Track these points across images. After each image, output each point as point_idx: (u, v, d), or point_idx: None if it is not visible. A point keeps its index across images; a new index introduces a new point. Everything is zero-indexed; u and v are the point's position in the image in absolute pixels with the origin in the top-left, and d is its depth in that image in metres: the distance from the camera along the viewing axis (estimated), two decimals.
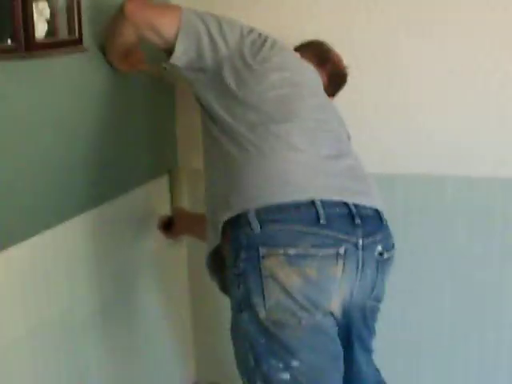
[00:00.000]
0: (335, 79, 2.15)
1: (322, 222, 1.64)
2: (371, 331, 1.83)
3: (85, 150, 2.02)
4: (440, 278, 2.43)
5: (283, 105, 1.83)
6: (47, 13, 1.84)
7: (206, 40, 1.90)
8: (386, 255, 1.75)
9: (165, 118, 2.54)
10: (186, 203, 2.59)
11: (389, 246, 1.78)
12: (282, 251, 1.63)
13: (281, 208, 1.66)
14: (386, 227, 1.79)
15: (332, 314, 1.69)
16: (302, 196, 1.67)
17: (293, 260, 1.62)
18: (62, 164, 1.92)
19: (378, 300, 1.81)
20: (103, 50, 2.07)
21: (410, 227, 2.41)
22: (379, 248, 1.73)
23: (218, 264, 1.85)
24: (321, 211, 1.65)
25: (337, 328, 1.72)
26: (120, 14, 1.95)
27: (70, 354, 1.98)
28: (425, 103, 2.36)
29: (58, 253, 1.92)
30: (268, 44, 1.94)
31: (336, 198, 1.70)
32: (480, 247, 2.38)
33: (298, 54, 2.04)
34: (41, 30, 1.80)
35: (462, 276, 2.42)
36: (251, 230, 1.66)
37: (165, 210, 2.53)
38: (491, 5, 2.24)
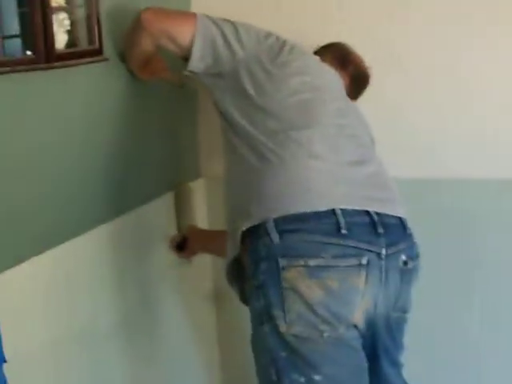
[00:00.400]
0: (358, 81, 2.11)
1: (343, 231, 1.62)
2: (398, 344, 1.79)
3: (104, 162, 2.01)
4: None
5: (304, 111, 1.81)
6: (67, 23, 1.84)
7: (221, 44, 1.89)
8: (410, 265, 1.72)
9: (186, 127, 2.52)
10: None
11: (413, 255, 1.75)
12: (302, 262, 1.60)
13: (300, 217, 1.64)
14: (410, 236, 1.76)
15: (355, 326, 1.66)
16: (322, 205, 1.65)
17: (314, 271, 1.60)
18: (82, 176, 1.91)
19: (404, 311, 1.77)
20: (123, 58, 2.07)
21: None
22: (403, 257, 1.70)
23: (239, 274, 1.83)
24: (342, 220, 1.63)
25: (361, 340, 1.69)
26: (137, 23, 1.95)
27: (92, 365, 1.97)
28: (448, 103, 2.32)
29: (81, 263, 1.91)
30: (287, 48, 1.92)
31: (357, 206, 1.67)
32: None
33: (317, 58, 2.01)
34: (61, 40, 1.81)
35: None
36: (270, 240, 1.63)
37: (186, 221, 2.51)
38: None
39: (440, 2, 2.29)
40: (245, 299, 1.83)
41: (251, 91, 1.83)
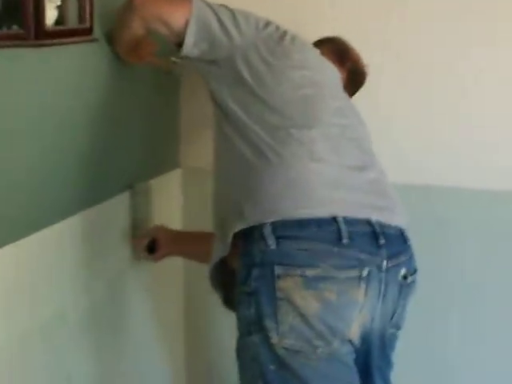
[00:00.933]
0: (355, 79, 2.02)
1: (344, 241, 1.54)
2: (389, 361, 1.73)
3: (82, 146, 1.90)
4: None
5: (306, 107, 1.73)
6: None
7: (217, 29, 1.79)
8: (409, 279, 1.65)
9: (168, 115, 2.42)
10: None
11: (412, 269, 1.68)
12: (299, 272, 1.52)
13: (300, 224, 1.55)
14: (410, 248, 1.69)
15: (350, 341, 1.59)
16: (324, 211, 1.56)
17: (311, 282, 1.52)
18: (61, 162, 1.81)
19: (398, 327, 1.71)
20: (109, 40, 1.96)
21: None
22: (403, 271, 1.64)
23: (223, 276, 1.75)
24: (343, 229, 1.55)
25: (354, 356, 1.62)
26: (128, 5, 1.84)
27: (58, 359, 1.87)
28: (446, 108, 2.26)
29: (45, 257, 1.79)
30: (287, 38, 1.83)
31: (360, 214, 1.60)
32: None
33: (318, 51, 1.92)
34: (50, 17, 1.70)
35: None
36: (266, 245, 1.55)
37: (168, 212, 2.41)
38: None
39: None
40: (229, 304, 1.75)
41: (249, 80, 1.74)
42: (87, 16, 1.79)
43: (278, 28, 1.86)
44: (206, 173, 2.40)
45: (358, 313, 1.56)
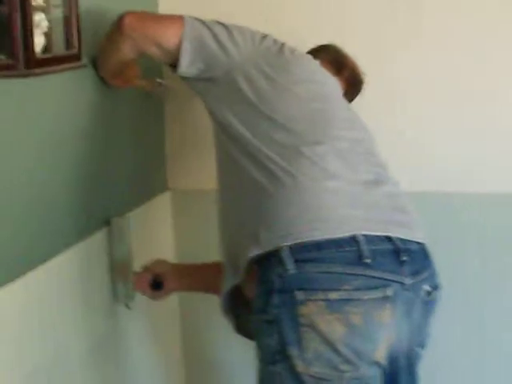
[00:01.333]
0: (353, 87, 1.96)
1: (366, 260, 1.48)
2: (416, 380, 1.66)
3: (74, 175, 1.83)
4: None
5: (313, 123, 1.66)
6: (45, 25, 1.65)
7: (214, 47, 1.73)
8: (432, 295, 1.60)
9: (154, 138, 2.35)
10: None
11: (435, 285, 1.63)
12: (321, 296, 1.46)
13: (319, 245, 1.49)
14: (432, 263, 1.63)
15: (377, 363, 1.53)
16: (343, 231, 1.50)
17: (335, 306, 1.46)
18: (53, 193, 1.73)
19: (423, 346, 1.65)
20: (94, 64, 1.89)
21: None
22: (426, 287, 1.58)
23: (235, 303, 1.68)
24: (364, 248, 1.49)
25: (381, 378, 1.56)
26: (117, 29, 1.77)
27: None
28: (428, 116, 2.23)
29: (46, 292, 1.71)
30: (286, 51, 1.77)
31: (379, 231, 1.53)
32: None
33: (317, 62, 1.86)
34: (38, 44, 1.62)
35: None
36: (285, 270, 1.48)
37: (160, 237, 2.33)
38: None
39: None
40: (242, 331, 1.68)
41: (252, 98, 1.68)
42: (75, 41, 1.71)
43: (275, 41, 1.80)
44: (195, 194, 2.39)
45: (384, 334, 1.51)
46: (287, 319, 1.48)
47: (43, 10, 1.63)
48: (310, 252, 1.49)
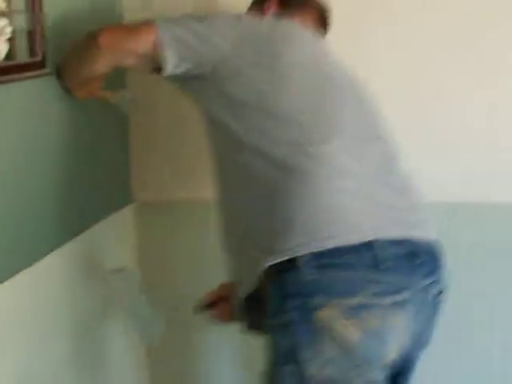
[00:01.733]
0: (324, 19, 1.85)
1: (381, 266, 1.47)
2: (409, 381, 1.68)
3: (31, 192, 1.76)
4: None
5: (321, 113, 1.59)
6: (8, 31, 1.60)
7: (196, 43, 1.64)
8: (441, 296, 1.61)
9: (117, 148, 2.31)
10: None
11: (444, 286, 1.62)
12: (339, 301, 1.46)
13: (336, 251, 1.47)
14: (443, 263, 1.62)
15: (387, 366, 1.53)
16: (360, 237, 1.48)
17: (352, 311, 1.45)
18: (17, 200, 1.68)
19: (426, 345, 1.66)
20: (58, 74, 1.84)
21: None
22: (438, 288, 1.59)
23: (250, 304, 1.65)
24: (380, 253, 1.48)
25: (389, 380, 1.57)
26: (91, 45, 1.70)
27: None
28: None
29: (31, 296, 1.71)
30: (266, 29, 1.67)
31: (394, 234, 1.52)
32: None
33: (310, 33, 1.73)
34: (1, 51, 1.57)
35: None
36: (302, 275, 1.47)
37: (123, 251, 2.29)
38: None
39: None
40: (254, 328, 1.69)
41: (251, 95, 1.60)
42: (38, 49, 1.67)
43: (251, 20, 1.70)
44: (160, 206, 2.35)
45: (397, 337, 1.51)
46: (302, 323, 1.47)
47: (6, 15, 1.59)
48: (328, 258, 1.47)
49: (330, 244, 1.47)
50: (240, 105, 1.61)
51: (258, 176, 1.57)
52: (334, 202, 1.51)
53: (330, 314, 1.45)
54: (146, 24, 1.71)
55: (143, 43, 1.67)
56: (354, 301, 1.46)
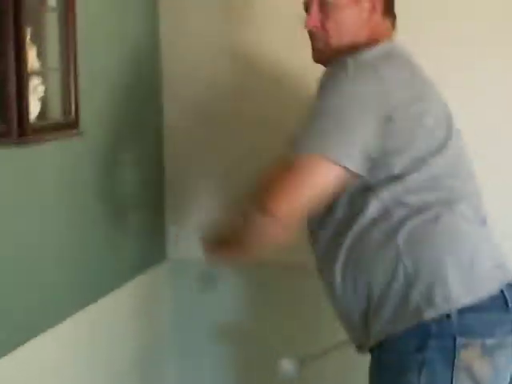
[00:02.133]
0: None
1: (510, 306, 1.57)
2: None
3: (75, 247, 1.77)
4: None
5: (456, 163, 1.63)
6: (41, 90, 1.58)
7: (363, 147, 1.50)
8: None
9: (153, 208, 2.27)
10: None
11: None
12: (480, 341, 1.55)
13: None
14: None
15: None
16: (494, 287, 1.57)
17: (489, 350, 1.55)
18: (49, 260, 1.67)
19: None
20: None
21: None
22: None
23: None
24: (508, 295, 1.58)
25: None
26: (257, 215, 1.53)
27: None
28: None
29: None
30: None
31: (509, 277, 1.61)
32: None
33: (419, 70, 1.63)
34: (34, 110, 1.54)
35: None
36: (447, 317, 1.53)
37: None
38: None
39: None
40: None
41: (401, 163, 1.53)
42: (72, 107, 1.63)
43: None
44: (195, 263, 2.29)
45: (508, 374, 1.62)
46: (443, 362, 1.54)
47: (40, 74, 1.56)
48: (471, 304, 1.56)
49: (480, 296, 1.55)
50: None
51: (403, 232, 1.55)
52: (476, 248, 1.60)
53: (471, 354, 1.54)
54: (308, 161, 1.51)
55: (319, 184, 1.52)
56: (492, 341, 1.55)
